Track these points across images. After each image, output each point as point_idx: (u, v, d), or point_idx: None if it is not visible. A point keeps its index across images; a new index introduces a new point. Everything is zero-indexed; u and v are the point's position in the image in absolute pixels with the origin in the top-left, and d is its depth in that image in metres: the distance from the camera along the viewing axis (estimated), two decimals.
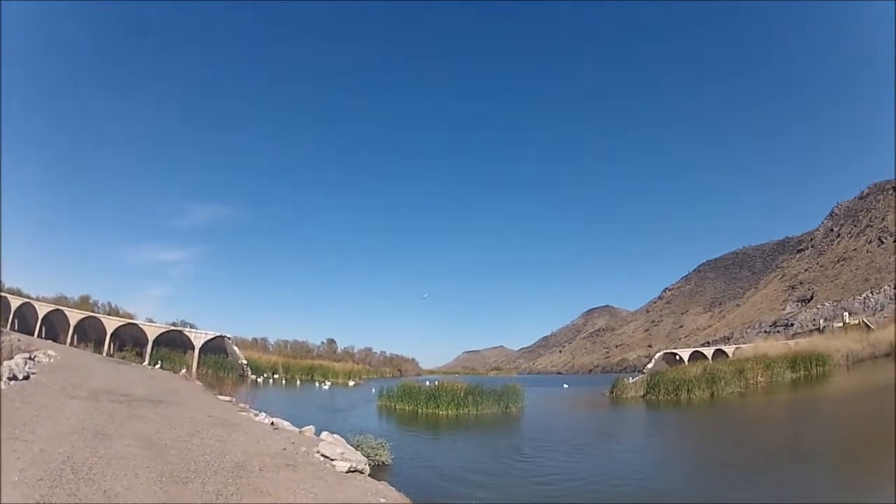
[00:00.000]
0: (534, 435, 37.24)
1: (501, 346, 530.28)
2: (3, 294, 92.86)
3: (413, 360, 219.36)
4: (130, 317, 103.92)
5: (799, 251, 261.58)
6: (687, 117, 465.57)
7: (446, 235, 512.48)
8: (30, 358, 36.61)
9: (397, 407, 53.20)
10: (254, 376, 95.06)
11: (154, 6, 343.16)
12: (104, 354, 79.14)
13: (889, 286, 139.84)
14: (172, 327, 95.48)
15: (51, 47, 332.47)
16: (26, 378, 27.75)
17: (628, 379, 73.17)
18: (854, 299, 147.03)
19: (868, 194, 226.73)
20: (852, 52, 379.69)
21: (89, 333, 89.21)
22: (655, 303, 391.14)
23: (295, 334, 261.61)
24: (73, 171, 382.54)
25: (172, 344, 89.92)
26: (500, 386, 55.87)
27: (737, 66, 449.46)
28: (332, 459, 18.29)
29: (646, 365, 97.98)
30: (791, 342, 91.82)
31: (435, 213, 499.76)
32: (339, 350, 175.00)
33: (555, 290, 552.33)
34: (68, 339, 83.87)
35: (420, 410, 50.39)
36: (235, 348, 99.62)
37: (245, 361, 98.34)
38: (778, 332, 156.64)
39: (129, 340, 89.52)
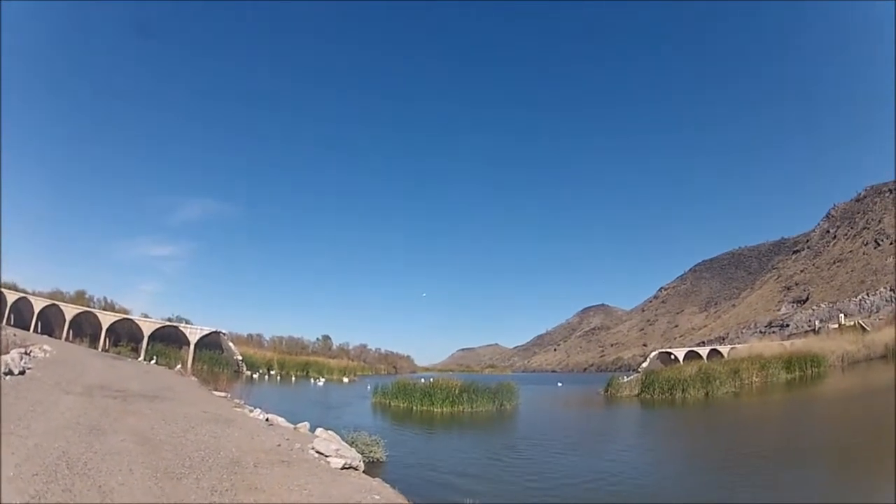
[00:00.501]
0: (528, 433, 37.28)
1: (496, 344, 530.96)
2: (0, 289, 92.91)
3: (408, 357, 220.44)
4: (126, 312, 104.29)
5: (795, 252, 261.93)
6: (685, 119, 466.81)
7: (442, 233, 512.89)
8: (25, 353, 36.56)
9: (392, 404, 53.19)
10: (249, 372, 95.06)
11: (150, 6, 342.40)
12: (99, 350, 79.01)
13: (885, 288, 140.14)
14: (168, 323, 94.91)
15: (46, 46, 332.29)
16: (22, 373, 27.73)
17: (623, 378, 73.32)
18: (850, 301, 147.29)
19: (864, 196, 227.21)
20: (851, 54, 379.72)
21: (85, 328, 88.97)
22: (651, 302, 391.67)
23: (290, 330, 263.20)
24: (68, 167, 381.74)
25: (168, 339, 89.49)
26: (494, 384, 55.83)
27: (735, 68, 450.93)
28: (326, 456, 18.28)
29: (641, 364, 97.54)
30: (786, 343, 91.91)
31: (431, 210, 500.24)
32: (334, 346, 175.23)
33: (550, 288, 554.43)
34: (64, 335, 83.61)
35: (415, 407, 50.45)
36: (231, 344, 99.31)
37: (240, 357, 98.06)
38: (773, 332, 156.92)
39: (125, 336, 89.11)
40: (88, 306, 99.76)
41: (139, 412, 22.48)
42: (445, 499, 18.02)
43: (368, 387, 67.56)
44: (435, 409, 49.27)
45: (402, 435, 35.44)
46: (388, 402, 54.23)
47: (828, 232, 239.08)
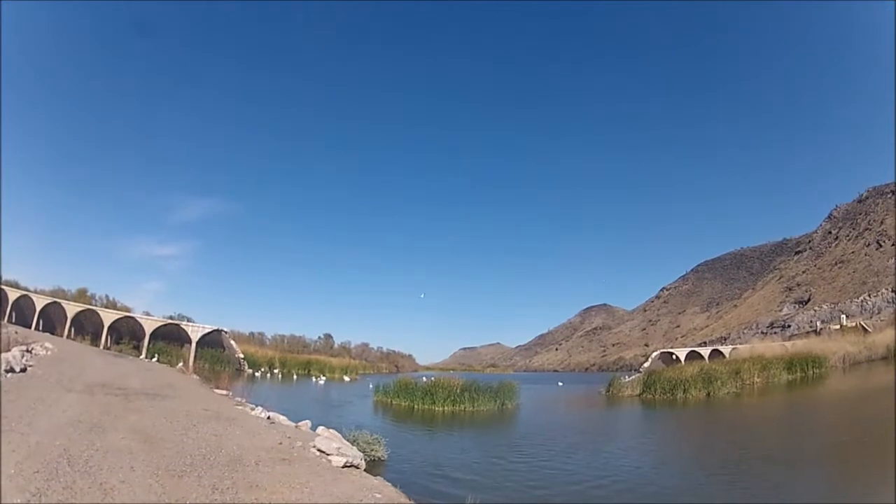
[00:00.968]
0: (529, 432, 37.23)
1: (498, 344, 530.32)
2: (0, 286, 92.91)
3: (410, 356, 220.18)
4: (128, 310, 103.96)
5: (797, 253, 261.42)
6: (688, 118, 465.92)
7: (444, 232, 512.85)
8: (27, 350, 36.66)
9: (393, 403, 53.20)
10: (250, 370, 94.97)
11: (151, 5, 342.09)
12: (101, 347, 79.15)
13: (886, 290, 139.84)
14: (170, 321, 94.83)
15: (48, 45, 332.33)
16: (23, 371, 27.81)
17: (624, 378, 73.26)
18: (851, 302, 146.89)
19: (867, 197, 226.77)
20: (855, 54, 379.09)
21: (86, 326, 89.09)
22: (653, 302, 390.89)
23: (292, 329, 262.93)
24: (70, 165, 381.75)
25: (169, 337, 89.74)
26: (496, 383, 55.74)
27: (738, 68, 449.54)
28: (327, 454, 18.30)
29: (642, 364, 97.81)
30: (788, 344, 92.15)
31: (433, 210, 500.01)
32: (335, 345, 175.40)
33: (552, 288, 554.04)
34: (65, 332, 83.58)
35: (416, 406, 50.39)
36: (232, 342, 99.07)
37: (242, 355, 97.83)
38: (775, 333, 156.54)
39: (126, 334, 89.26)
40: (90, 304, 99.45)
41: (141, 410, 22.52)
42: (447, 498, 17.99)
43: (370, 385, 67.63)
44: (436, 408, 49.25)
45: (403, 434, 35.41)
46: (389, 400, 54.25)
47: (830, 233, 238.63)
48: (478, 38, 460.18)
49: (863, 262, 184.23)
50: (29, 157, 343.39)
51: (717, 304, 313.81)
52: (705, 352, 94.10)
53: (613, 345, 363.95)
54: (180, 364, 69.29)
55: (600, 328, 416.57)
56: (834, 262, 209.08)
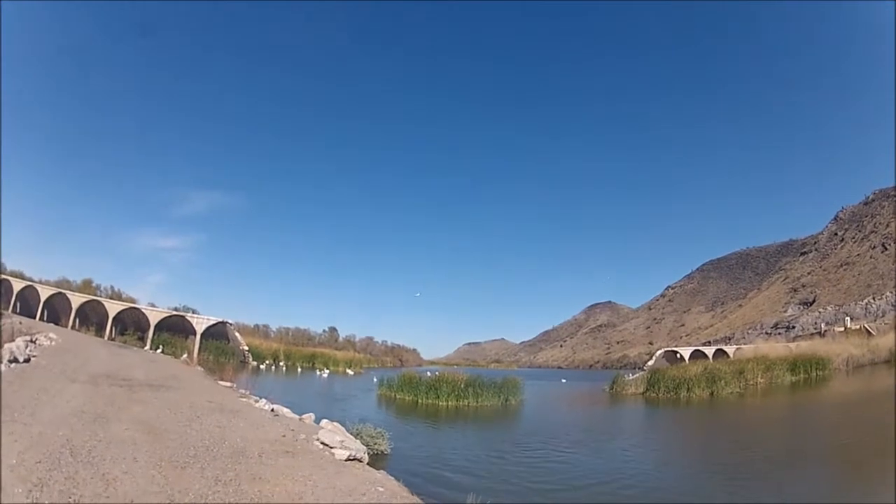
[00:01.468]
0: (533, 429, 37.23)
1: (502, 339, 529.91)
2: (5, 277, 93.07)
3: (414, 350, 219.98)
4: (133, 301, 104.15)
5: (802, 254, 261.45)
6: (696, 117, 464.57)
7: (450, 228, 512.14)
8: (31, 341, 36.68)
9: (397, 397, 53.23)
10: (255, 363, 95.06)
11: (154, 5, 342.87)
12: (106, 338, 79.52)
13: (891, 293, 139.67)
14: (175, 312, 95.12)
15: (53, 41, 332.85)
16: (27, 361, 27.79)
17: (628, 375, 73.21)
18: (856, 304, 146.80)
19: (873, 200, 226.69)
20: (862, 54, 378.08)
21: (91, 317, 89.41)
22: (658, 300, 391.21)
23: (296, 322, 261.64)
24: (76, 159, 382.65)
25: (174, 329, 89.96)
26: (500, 379, 55.80)
27: (742, 68, 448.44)
28: (331, 447, 18.31)
29: (646, 362, 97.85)
30: (792, 345, 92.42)
31: (438, 206, 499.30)
32: (340, 338, 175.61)
33: (557, 284, 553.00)
34: (70, 323, 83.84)
35: (420, 401, 50.39)
36: (237, 334, 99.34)
37: (246, 348, 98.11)
38: (779, 334, 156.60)
39: (131, 325, 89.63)
40: (95, 295, 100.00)
41: (144, 401, 22.51)
42: (449, 493, 17.92)
43: (374, 379, 67.64)
44: (440, 403, 49.24)
45: (407, 428, 35.35)
46: (393, 394, 54.31)
47: (836, 234, 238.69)
48: (478, 38, 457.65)
49: (868, 264, 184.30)
50: (34, 151, 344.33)
51: (722, 304, 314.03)
52: (709, 351, 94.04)
53: (618, 342, 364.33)
54: (184, 355, 69.34)
55: (605, 325, 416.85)
56: (839, 263, 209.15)
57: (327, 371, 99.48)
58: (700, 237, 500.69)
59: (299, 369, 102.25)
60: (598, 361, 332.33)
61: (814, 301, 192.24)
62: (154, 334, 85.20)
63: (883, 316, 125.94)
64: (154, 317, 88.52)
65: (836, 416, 39.66)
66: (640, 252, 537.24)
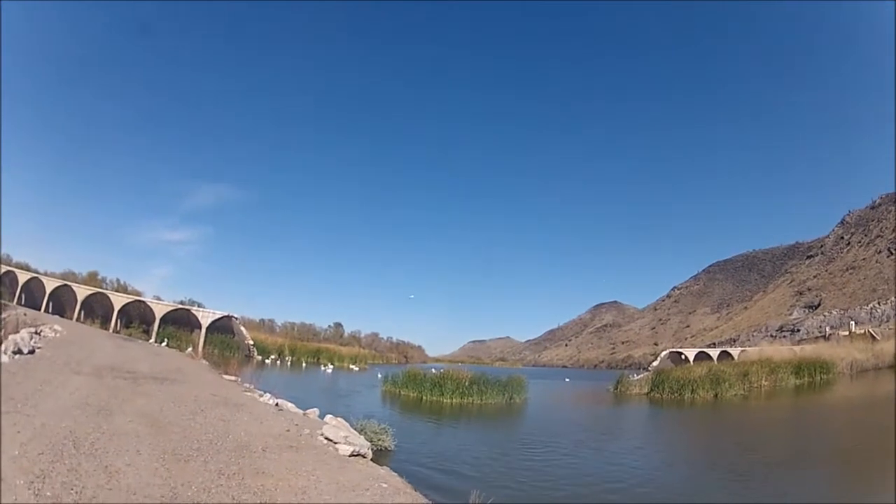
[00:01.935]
0: (536, 427, 37.26)
1: (508, 337, 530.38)
2: (10, 269, 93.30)
3: (420, 347, 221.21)
4: (138, 294, 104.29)
5: (809, 257, 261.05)
6: (703, 117, 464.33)
7: (457, 225, 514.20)
8: (35, 332, 36.69)
9: (402, 393, 53.20)
10: (259, 357, 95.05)
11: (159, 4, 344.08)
12: (111, 331, 79.59)
13: (895, 297, 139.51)
14: (180, 306, 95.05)
15: (62, 34, 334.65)
16: (31, 352, 27.83)
17: (633, 376, 73.77)
18: (861, 309, 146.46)
19: (880, 204, 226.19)
20: (871, 55, 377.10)
21: (96, 310, 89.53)
22: (664, 301, 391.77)
23: (302, 317, 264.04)
24: (83, 151, 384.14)
25: (179, 322, 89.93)
26: (504, 377, 55.90)
27: (751, 69, 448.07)
28: (335, 443, 18.30)
29: (651, 363, 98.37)
30: (797, 348, 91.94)
31: (445, 202, 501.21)
32: (345, 334, 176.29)
33: (563, 283, 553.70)
34: (75, 315, 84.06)
35: (424, 397, 50.41)
36: (242, 329, 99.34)
37: (251, 342, 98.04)
38: (784, 337, 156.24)
39: (136, 317, 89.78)
40: (101, 288, 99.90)
41: (148, 394, 22.52)
42: (453, 490, 17.87)
43: (378, 375, 67.58)
44: (444, 400, 49.20)
45: (411, 424, 35.48)
46: (397, 391, 54.25)
47: (842, 238, 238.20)
48: (485, 36, 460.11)
49: (873, 268, 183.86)
50: (41, 144, 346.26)
51: (728, 306, 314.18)
52: (714, 353, 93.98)
53: (623, 342, 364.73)
54: (189, 349, 69.28)
55: (610, 325, 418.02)
56: (845, 267, 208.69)
57: (331, 366, 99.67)
58: (706, 238, 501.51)
59: (304, 364, 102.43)
60: (602, 361, 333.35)
61: (819, 304, 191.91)
62: (159, 327, 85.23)
63: (887, 321, 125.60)
64: (159, 310, 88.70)
65: (838, 419, 39.77)
66: (647, 252, 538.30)
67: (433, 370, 59.17)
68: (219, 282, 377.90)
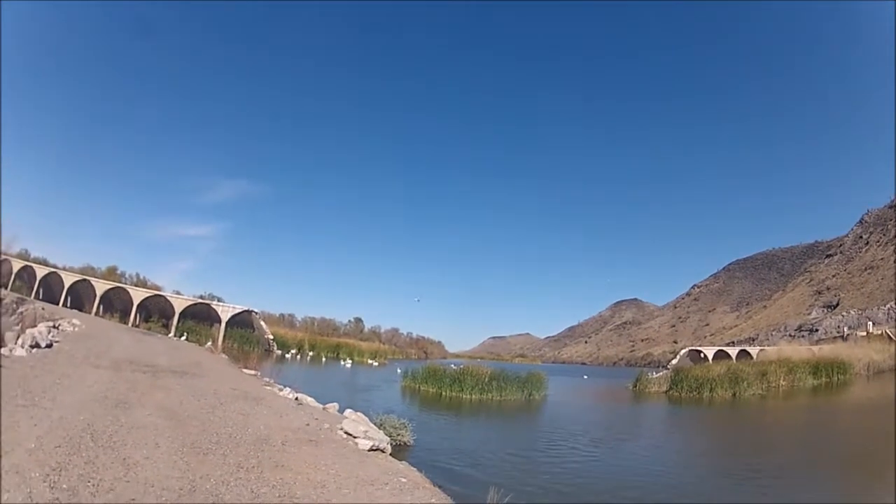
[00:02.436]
0: (556, 425, 36.93)
1: (527, 334, 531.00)
2: (28, 263, 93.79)
3: (440, 343, 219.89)
4: (158, 289, 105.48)
5: (828, 256, 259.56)
6: (722, 117, 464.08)
7: (478, 221, 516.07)
8: (54, 326, 36.84)
9: (421, 388, 53.19)
10: (279, 352, 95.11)
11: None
12: (130, 325, 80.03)
13: None
14: (200, 300, 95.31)
15: (81, 32, 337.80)
16: (49, 346, 27.88)
17: (652, 373, 73.74)
18: (878, 309, 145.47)
19: None
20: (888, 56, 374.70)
21: (115, 304, 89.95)
22: (683, 299, 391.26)
23: (322, 311, 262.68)
24: (104, 148, 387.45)
25: (199, 317, 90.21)
26: (524, 373, 55.75)
27: (771, 67, 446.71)
28: (354, 437, 18.32)
29: (670, 361, 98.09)
30: (815, 348, 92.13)
31: (466, 198, 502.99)
32: (365, 329, 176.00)
33: (583, 280, 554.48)
34: (94, 309, 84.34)
35: (444, 393, 50.39)
36: (262, 323, 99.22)
37: (271, 336, 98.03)
38: (802, 336, 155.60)
39: (156, 312, 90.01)
40: (120, 282, 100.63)
41: (167, 387, 22.60)
42: (471, 486, 17.70)
43: (398, 370, 67.53)
44: (464, 396, 49.23)
45: (430, 420, 35.33)
46: (417, 386, 54.29)
47: (860, 237, 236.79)
48: (500, 35, 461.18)
49: (892, 268, 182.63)
50: (62, 140, 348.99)
51: (747, 304, 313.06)
52: (733, 352, 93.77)
53: (642, 340, 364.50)
54: (209, 343, 69.78)
55: (630, 323, 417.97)
56: (864, 267, 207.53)
57: (350, 361, 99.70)
58: (727, 236, 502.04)
59: (324, 359, 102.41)
60: (622, 359, 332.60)
61: (837, 304, 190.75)
62: (179, 322, 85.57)
63: None
64: (179, 304, 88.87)
65: (854, 421, 39.58)
66: (667, 249, 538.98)
67: (453, 366, 59.33)
68: (239, 276, 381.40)
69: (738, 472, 22.87)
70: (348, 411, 23.83)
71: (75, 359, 25.84)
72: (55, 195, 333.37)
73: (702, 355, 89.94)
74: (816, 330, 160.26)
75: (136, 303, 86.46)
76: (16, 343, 24.37)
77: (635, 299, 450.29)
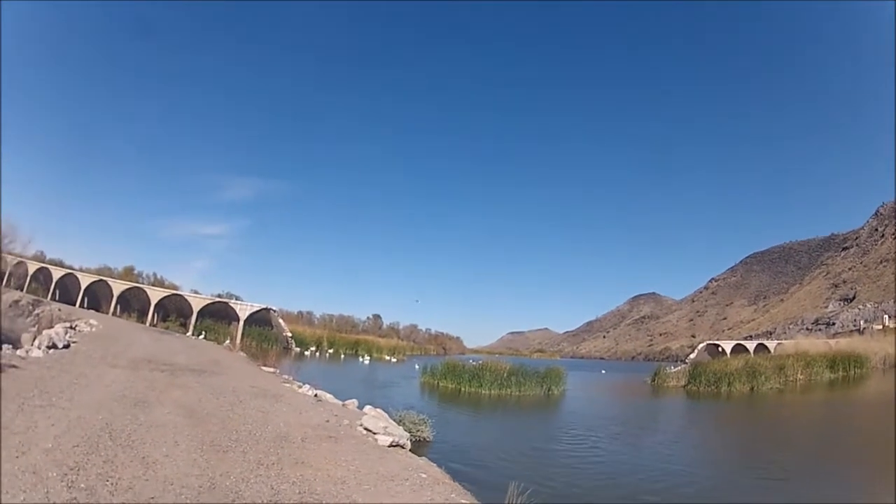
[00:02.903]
0: (575, 420, 36.65)
1: (546, 329, 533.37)
2: (44, 265, 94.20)
3: (458, 338, 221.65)
4: (175, 288, 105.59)
5: (844, 249, 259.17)
6: (737, 112, 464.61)
7: (495, 216, 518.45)
8: (70, 327, 36.95)
9: (440, 384, 52.99)
10: (298, 349, 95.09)
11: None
12: (147, 324, 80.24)
13: None
14: (218, 299, 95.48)
15: (98, 32, 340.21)
16: (66, 347, 27.96)
17: (670, 368, 74.19)
18: (894, 303, 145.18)
19: None
20: None
21: (133, 304, 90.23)
22: (701, 293, 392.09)
23: (340, 309, 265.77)
24: (119, 147, 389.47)
25: (217, 315, 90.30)
26: (543, 368, 55.65)
27: (788, 60, 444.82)
28: (374, 433, 18.20)
29: (688, 355, 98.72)
30: (832, 341, 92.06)
31: (483, 193, 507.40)
32: (384, 326, 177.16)
33: (601, 274, 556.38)
34: (111, 310, 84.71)
35: (463, 389, 50.19)
36: (280, 321, 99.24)
37: (290, 334, 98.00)
38: (819, 329, 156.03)
39: (174, 311, 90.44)
40: (137, 282, 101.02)
41: (186, 386, 22.63)
42: (490, 481, 17.56)
43: (416, 366, 67.76)
44: (483, 391, 49.07)
45: (449, 416, 35.44)
46: (436, 382, 54.10)
47: (876, 230, 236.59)
48: (524, 29, 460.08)
49: None
50: (79, 141, 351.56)
51: (765, 298, 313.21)
52: (751, 345, 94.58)
53: (661, 334, 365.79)
54: (227, 341, 69.89)
55: (648, 317, 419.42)
56: (879, 260, 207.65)
57: (368, 358, 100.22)
58: (743, 229, 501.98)
59: (342, 356, 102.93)
60: (640, 353, 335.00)
61: (854, 297, 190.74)
62: (197, 320, 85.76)
63: None
64: (197, 303, 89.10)
65: (870, 417, 39.28)
66: (685, 242, 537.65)
67: (471, 361, 58.99)
68: (255, 274, 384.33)
69: (762, 470, 22.65)
70: (368, 407, 23.69)
71: (93, 358, 25.91)
72: (70, 197, 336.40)
73: (720, 349, 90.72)
74: (833, 323, 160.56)
75: (153, 302, 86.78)
76: (32, 344, 24.48)
77: (653, 293, 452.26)
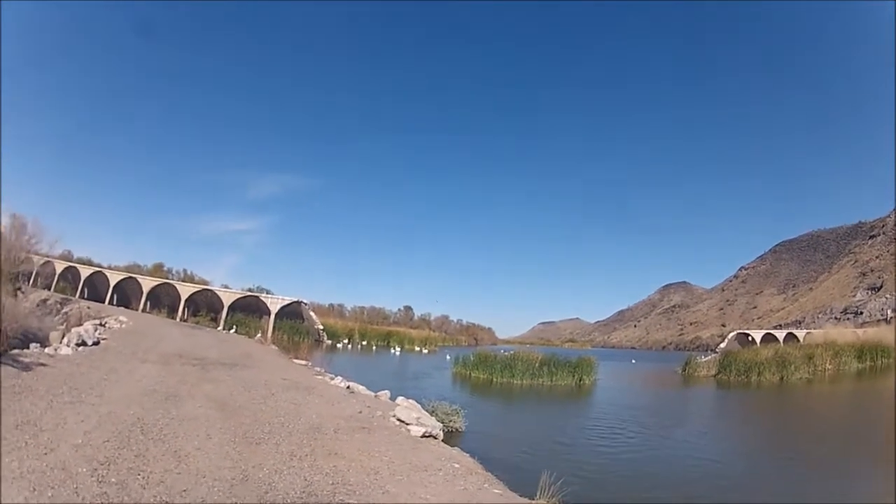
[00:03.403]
0: (606, 410, 36.65)
1: (577, 319, 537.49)
2: (72, 264, 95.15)
3: (490, 329, 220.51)
4: (205, 283, 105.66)
5: (871, 237, 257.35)
6: (766, 99, 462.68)
7: (526, 207, 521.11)
8: (100, 324, 37.11)
9: (472, 375, 53.11)
10: (330, 341, 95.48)
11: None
12: (178, 320, 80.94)
13: None
14: (249, 293, 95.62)
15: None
16: (96, 343, 28.03)
17: (701, 357, 74.72)
18: None
19: None
20: None
21: (163, 300, 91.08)
22: (731, 281, 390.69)
23: (371, 301, 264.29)
24: (148, 145, 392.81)
25: (248, 309, 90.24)
26: (574, 358, 55.63)
27: (818, 52, 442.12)
28: (407, 424, 18.30)
29: (718, 344, 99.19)
30: (860, 331, 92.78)
31: (514, 184, 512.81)
32: (415, 317, 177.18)
33: (632, 264, 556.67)
34: (141, 306, 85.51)
35: (495, 379, 50.28)
36: (312, 314, 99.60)
37: (321, 327, 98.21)
38: (848, 319, 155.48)
39: (204, 306, 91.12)
40: (166, 279, 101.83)
41: (218, 379, 22.69)
42: (522, 471, 17.37)
43: (448, 357, 68.37)
44: (515, 382, 49.20)
45: (481, 406, 35.73)
46: (468, 372, 54.18)
47: None
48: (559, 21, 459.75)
49: None
50: (109, 137, 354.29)
51: (794, 287, 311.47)
52: (780, 335, 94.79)
53: (691, 324, 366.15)
54: (258, 335, 69.90)
55: (678, 306, 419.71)
56: None
57: (400, 349, 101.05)
58: (773, 217, 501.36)
59: (374, 348, 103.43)
60: (670, 342, 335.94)
61: (881, 286, 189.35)
62: (227, 315, 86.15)
63: None
64: (227, 298, 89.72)
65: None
66: (715, 230, 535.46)
67: (503, 352, 59.01)
68: (285, 269, 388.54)
69: (793, 462, 22.54)
70: (400, 398, 23.68)
71: (123, 354, 26.00)
72: (100, 197, 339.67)
73: (750, 338, 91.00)
74: (861, 313, 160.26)
75: (183, 298, 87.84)
76: (61, 342, 24.51)
77: (684, 282, 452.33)
